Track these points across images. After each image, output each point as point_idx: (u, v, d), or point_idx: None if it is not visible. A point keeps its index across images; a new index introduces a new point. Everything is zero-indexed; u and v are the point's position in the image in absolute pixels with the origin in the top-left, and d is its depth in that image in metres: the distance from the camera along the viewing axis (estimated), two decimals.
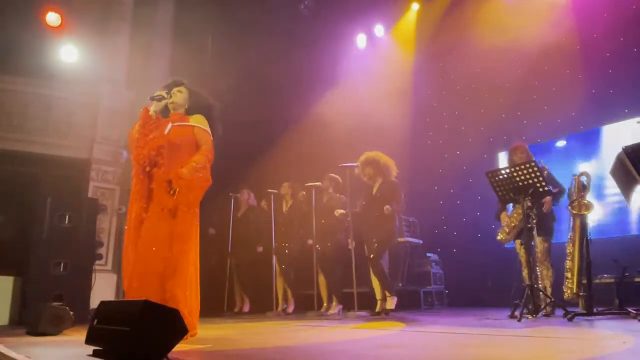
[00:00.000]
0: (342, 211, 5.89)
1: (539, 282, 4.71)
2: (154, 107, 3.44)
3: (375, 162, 5.61)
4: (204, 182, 3.33)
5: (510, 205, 5.00)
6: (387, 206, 5.33)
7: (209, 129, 3.52)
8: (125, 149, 7.17)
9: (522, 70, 7.22)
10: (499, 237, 4.98)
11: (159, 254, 3.15)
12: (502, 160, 7.45)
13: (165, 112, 3.54)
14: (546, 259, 4.80)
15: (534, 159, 4.94)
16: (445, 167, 8.12)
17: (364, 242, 5.65)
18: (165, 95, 3.48)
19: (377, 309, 5.51)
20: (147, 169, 3.30)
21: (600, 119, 6.66)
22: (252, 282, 7.01)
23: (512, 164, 4.84)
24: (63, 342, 3.35)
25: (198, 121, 3.50)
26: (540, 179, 4.33)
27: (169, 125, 3.41)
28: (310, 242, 6.38)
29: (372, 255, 5.47)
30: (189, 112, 3.57)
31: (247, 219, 7.10)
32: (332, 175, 6.27)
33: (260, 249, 6.89)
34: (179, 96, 3.54)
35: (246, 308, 6.93)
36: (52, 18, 6.54)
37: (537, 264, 4.79)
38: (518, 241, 4.88)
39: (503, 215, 5.01)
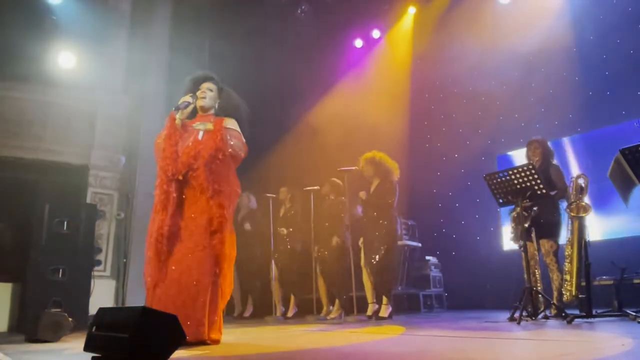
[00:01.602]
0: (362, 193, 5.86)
1: (539, 285, 4.71)
2: (179, 115, 3.26)
3: (376, 163, 5.64)
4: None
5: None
6: (362, 192, 5.52)
7: (240, 131, 3.41)
8: (123, 154, 7.18)
9: (518, 73, 7.25)
10: (511, 239, 5.01)
11: (199, 277, 3.09)
12: (501, 162, 7.46)
13: (192, 113, 3.40)
14: (552, 261, 4.78)
15: (551, 152, 4.97)
16: (444, 170, 8.14)
17: (364, 242, 5.64)
18: (192, 100, 3.31)
19: (369, 312, 5.50)
20: (180, 177, 3.18)
21: (597, 121, 6.67)
22: (252, 286, 7.00)
23: (527, 158, 4.96)
24: (62, 348, 3.33)
25: (233, 125, 3.38)
26: (538, 181, 4.34)
27: (201, 133, 3.27)
28: (299, 248, 6.44)
29: (377, 258, 5.44)
30: (219, 112, 3.43)
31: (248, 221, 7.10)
32: (334, 179, 6.27)
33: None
34: (209, 95, 3.39)
35: (248, 313, 6.91)
36: (51, 24, 6.57)
37: (546, 267, 4.80)
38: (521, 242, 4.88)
39: (513, 216, 5.01)
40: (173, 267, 3.08)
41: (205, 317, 3.06)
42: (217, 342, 3.11)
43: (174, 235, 3.13)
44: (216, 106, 3.44)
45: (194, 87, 3.42)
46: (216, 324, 3.16)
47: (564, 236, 4.83)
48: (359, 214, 5.91)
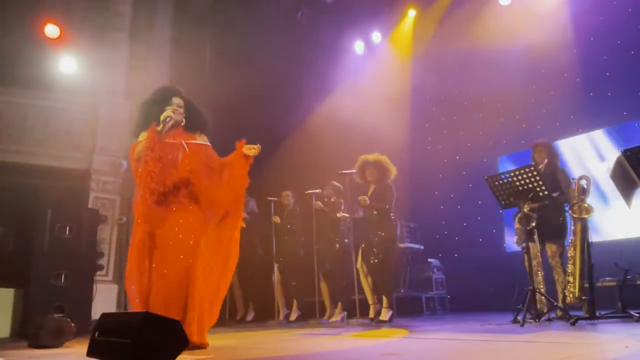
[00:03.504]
0: (344, 215, 5.91)
1: (542, 286, 4.69)
2: (160, 128, 3.28)
3: (382, 166, 5.60)
4: None
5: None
6: (363, 197, 5.39)
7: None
8: (125, 159, 7.19)
9: (519, 74, 7.24)
10: (515, 241, 4.98)
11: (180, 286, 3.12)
12: (502, 164, 7.46)
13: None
14: (557, 263, 4.77)
15: (557, 155, 4.97)
16: (445, 172, 8.12)
17: (363, 246, 5.62)
18: (173, 115, 3.35)
19: (371, 314, 5.48)
20: (169, 189, 3.22)
21: (598, 122, 6.67)
22: (254, 290, 6.99)
23: (533, 161, 4.93)
24: (64, 354, 3.34)
25: (204, 140, 3.51)
26: (540, 182, 4.33)
27: (184, 143, 3.34)
28: (302, 252, 6.45)
29: (375, 261, 5.42)
30: (186, 128, 3.48)
31: (249, 225, 7.09)
32: (334, 183, 6.27)
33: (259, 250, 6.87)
34: (179, 112, 3.43)
35: (250, 317, 6.90)
36: (51, 30, 6.58)
37: (551, 268, 4.79)
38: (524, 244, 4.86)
39: (518, 218, 4.99)
40: (156, 278, 3.09)
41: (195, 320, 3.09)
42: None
43: (156, 246, 3.15)
44: (183, 121, 3.48)
45: (164, 100, 3.44)
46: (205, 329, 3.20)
47: (569, 239, 4.82)
48: (360, 216, 5.89)
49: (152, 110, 3.41)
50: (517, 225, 4.91)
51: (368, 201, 5.46)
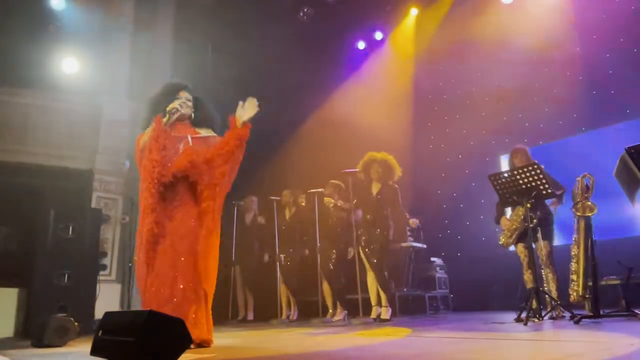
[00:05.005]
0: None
1: (545, 285, 4.69)
2: (166, 119, 3.31)
3: (388, 166, 5.58)
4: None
5: (509, 208, 4.99)
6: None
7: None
8: (127, 158, 7.19)
9: (522, 73, 7.23)
10: (501, 242, 4.95)
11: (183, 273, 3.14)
12: (505, 163, 7.44)
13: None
14: (550, 262, 4.77)
15: (534, 161, 4.95)
16: (448, 171, 8.12)
17: (362, 245, 5.60)
18: (180, 108, 3.37)
19: (373, 315, 5.47)
20: (171, 179, 3.22)
21: (601, 120, 6.65)
22: (256, 289, 6.99)
23: (512, 167, 4.88)
24: (68, 353, 3.34)
25: (210, 133, 3.51)
26: (544, 181, 4.32)
27: (189, 137, 3.35)
28: (307, 252, 6.42)
29: (375, 260, 5.42)
30: (195, 123, 3.50)
31: (253, 226, 7.11)
32: (335, 181, 6.25)
33: (266, 257, 6.89)
34: (188, 105, 3.46)
35: (250, 316, 6.91)
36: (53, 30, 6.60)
37: (542, 267, 4.78)
38: (520, 244, 4.86)
39: (503, 220, 4.98)
40: (166, 270, 3.11)
41: (203, 317, 3.13)
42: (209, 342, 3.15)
43: (163, 237, 3.17)
44: (192, 116, 3.49)
45: (172, 94, 3.46)
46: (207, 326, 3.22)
47: (567, 236, 4.80)
48: (359, 218, 5.86)
49: (160, 103, 3.42)
50: (507, 225, 4.89)
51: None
